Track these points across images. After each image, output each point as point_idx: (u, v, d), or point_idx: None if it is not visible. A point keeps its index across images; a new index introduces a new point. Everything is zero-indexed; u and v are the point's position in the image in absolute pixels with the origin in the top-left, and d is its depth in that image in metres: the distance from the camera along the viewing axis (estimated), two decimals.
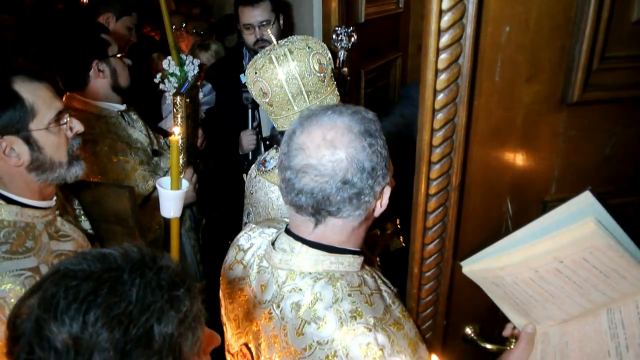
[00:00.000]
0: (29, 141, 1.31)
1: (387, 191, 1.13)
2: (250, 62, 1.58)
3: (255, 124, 2.74)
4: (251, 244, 1.30)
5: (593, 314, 1.15)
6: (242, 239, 1.34)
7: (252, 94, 1.62)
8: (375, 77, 2.96)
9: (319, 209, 1.07)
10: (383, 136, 1.10)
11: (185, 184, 1.60)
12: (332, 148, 1.03)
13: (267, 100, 1.56)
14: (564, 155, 1.31)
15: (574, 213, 1.11)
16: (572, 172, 1.32)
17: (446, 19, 1.07)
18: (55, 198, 1.47)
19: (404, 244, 2.15)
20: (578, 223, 1.04)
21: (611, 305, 1.13)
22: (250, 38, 2.70)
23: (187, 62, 2.41)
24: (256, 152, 2.75)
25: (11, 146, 1.30)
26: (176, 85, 2.38)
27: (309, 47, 1.53)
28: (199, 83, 2.34)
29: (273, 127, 1.70)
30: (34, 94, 1.31)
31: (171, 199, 1.56)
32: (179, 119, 2.03)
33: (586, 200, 1.12)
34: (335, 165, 1.03)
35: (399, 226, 2.18)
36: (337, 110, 1.08)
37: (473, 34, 1.10)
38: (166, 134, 2.52)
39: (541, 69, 1.22)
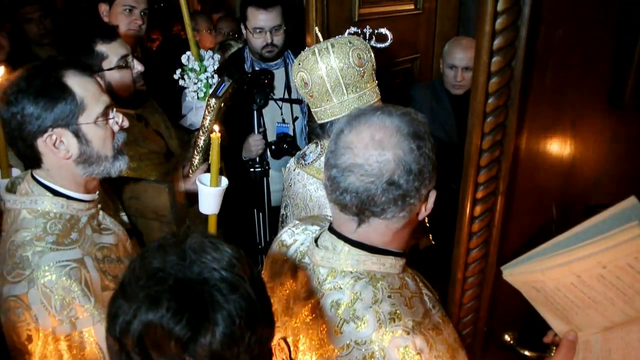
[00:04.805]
0: (77, 134, 1.33)
1: (433, 195, 1.11)
2: (297, 58, 1.66)
3: (261, 129, 2.68)
4: (294, 239, 1.31)
5: (637, 322, 1.12)
6: (286, 234, 1.34)
7: (295, 85, 1.69)
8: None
9: (363, 209, 1.06)
10: (432, 139, 1.09)
11: (224, 181, 1.61)
12: (380, 148, 1.03)
13: (307, 90, 1.63)
14: (613, 160, 1.28)
15: (618, 218, 1.08)
16: (621, 178, 1.30)
17: (500, 21, 1.05)
18: (98, 192, 1.49)
19: (433, 242, 2.14)
20: (622, 227, 1.01)
21: None
22: (258, 42, 2.64)
23: (206, 57, 2.37)
24: (262, 156, 2.71)
25: (60, 139, 1.32)
26: (195, 81, 2.35)
27: (350, 43, 1.60)
28: (228, 83, 2.17)
29: (310, 120, 1.75)
30: (84, 88, 1.32)
31: (211, 195, 1.58)
32: (207, 122, 1.95)
33: (631, 205, 1.09)
34: (382, 166, 1.02)
35: (427, 224, 2.18)
36: (387, 111, 1.08)
37: (526, 36, 1.08)
38: (188, 131, 2.47)
39: (593, 72, 1.20)
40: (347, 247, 1.13)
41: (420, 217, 1.14)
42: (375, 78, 1.66)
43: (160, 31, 5.21)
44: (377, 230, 1.10)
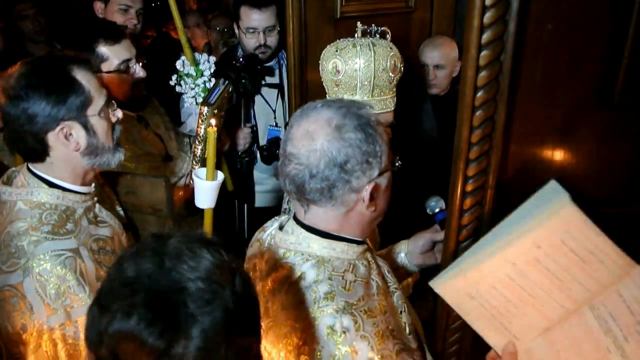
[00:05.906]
0: (86, 126, 1.36)
1: (369, 187, 1.12)
2: (330, 44, 1.71)
3: (249, 125, 2.63)
4: (271, 225, 1.38)
5: (576, 314, 1.08)
6: (268, 222, 1.42)
7: (324, 70, 1.71)
8: None
9: (300, 196, 1.15)
10: (373, 131, 1.11)
11: (220, 175, 1.63)
12: (310, 139, 1.10)
13: (336, 78, 1.67)
14: (603, 157, 1.28)
15: (543, 201, 1.05)
16: (611, 174, 1.30)
17: (489, 15, 1.07)
18: (94, 185, 1.51)
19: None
20: (553, 201, 1.00)
21: (592, 301, 1.06)
22: (251, 42, 2.53)
23: (202, 60, 2.31)
24: (250, 150, 2.64)
25: (71, 131, 1.35)
26: (192, 86, 2.30)
27: (390, 48, 1.67)
28: (222, 87, 2.15)
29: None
30: (89, 82, 1.36)
31: (206, 189, 1.59)
32: (202, 131, 1.91)
33: (553, 188, 1.06)
34: (310, 155, 1.10)
35: None
36: (327, 104, 1.15)
37: (515, 30, 1.09)
38: (188, 137, 2.42)
39: (583, 68, 1.20)
40: (302, 231, 1.20)
41: (367, 210, 1.15)
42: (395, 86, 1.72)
43: (156, 30, 5.21)
44: (319, 217, 1.17)
